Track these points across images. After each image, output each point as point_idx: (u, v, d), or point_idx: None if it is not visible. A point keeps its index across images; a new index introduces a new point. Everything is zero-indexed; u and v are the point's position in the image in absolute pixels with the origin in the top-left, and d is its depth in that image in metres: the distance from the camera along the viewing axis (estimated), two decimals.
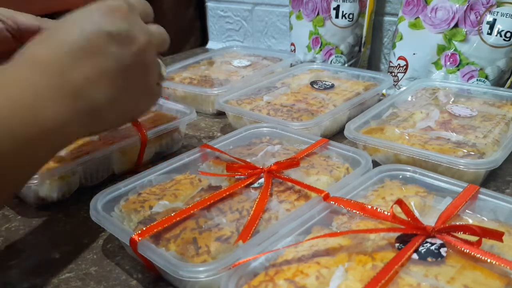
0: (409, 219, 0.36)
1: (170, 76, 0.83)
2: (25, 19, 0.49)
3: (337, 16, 0.83)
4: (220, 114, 0.73)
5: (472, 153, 0.49)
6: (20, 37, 0.48)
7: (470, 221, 0.39)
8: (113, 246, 0.44)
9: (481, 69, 0.68)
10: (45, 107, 0.35)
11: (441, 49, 0.71)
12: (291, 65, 0.86)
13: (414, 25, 0.73)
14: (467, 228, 0.34)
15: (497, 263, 0.32)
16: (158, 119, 0.61)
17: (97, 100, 0.39)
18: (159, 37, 0.46)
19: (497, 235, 0.33)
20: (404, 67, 0.75)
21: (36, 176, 0.47)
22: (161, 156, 0.60)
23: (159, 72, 0.47)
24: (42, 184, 0.49)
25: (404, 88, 0.71)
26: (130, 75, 0.41)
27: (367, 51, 0.88)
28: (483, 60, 0.68)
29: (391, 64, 0.78)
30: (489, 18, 0.66)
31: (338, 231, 0.37)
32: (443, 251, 0.34)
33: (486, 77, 0.68)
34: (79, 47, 0.39)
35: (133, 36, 0.41)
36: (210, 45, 1.19)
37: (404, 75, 0.75)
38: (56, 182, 0.50)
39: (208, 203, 0.42)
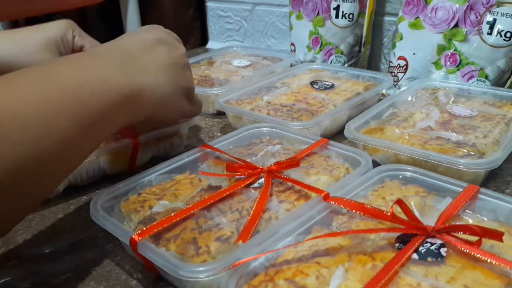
0: (409, 219, 0.36)
1: None
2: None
3: (337, 16, 0.83)
4: (220, 114, 0.73)
5: (472, 153, 0.49)
6: None
7: (470, 221, 0.39)
8: (113, 246, 0.44)
9: (481, 69, 0.68)
10: (116, 78, 0.41)
11: (441, 49, 0.71)
12: (291, 65, 0.86)
13: (414, 25, 0.73)
14: (467, 228, 0.34)
15: (497, 263, 0.32)
16: None
17: (160, 80, 0.46)
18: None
19: (497, 235, 0.33)
20: (404, 67, 0.75)
21: None
22: (159, 160, 0.59)
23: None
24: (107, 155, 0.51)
25: (404, 88, 0.71)
26: (177, 71, 0.49)
27: (367, 51, 0.88)
28: (483, 60, 0.68)
29: (391, 64, 0.78)
30: (489, 18, 0.66)
31: (338, 231, 0.37)
32: (443, 251, 0.34)
33: (486, 77, 0.68)
34: (137, 46, 0.47)
35: (175, 43, 0.51)
36: (210, 45, 1.19)
37: (404, 75, 0.75)
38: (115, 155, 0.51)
39: (208, 203, 0.42)
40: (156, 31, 0.50)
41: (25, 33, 0.57)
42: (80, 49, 0.60)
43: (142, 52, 0.46)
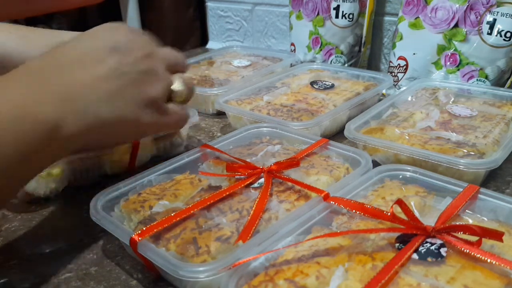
0: (409, 219, 0.36)
1: None
2: None
3: (337, 16, 0.83)
4: (220, 114, 0.73)
5: (472, 153, 0.49)
6: None
7: (470, 221, 0.39)
8: (113, 246, 0.44)
9: (481, 69, 0.68)
10: (39, 109, 0.36)
11: (441, 49, 0.71)
12: (291, 65, 0.86)
13: (414, 25, 0.73)
14: (467, 228, 0.34)
15: (497, 263, 0.32)
16: None
17: (92, 102, 0.39)
18: (170, 55, 0.47)
19: (497, 235, 0.33)
20: (404, 67, 0.75)
21: None
22: (159, 160, 0.59)
23: (166, 86, 0.45)
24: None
25: (404, 88, 0.71)
26: (125, 82, 0.41)
27: (367, 51, 0.88)
28: (483, 60, 0.68)
29: (391, 64, 0.78)
30: (489, 18, 0.66)
31: (338, 231, 0.37)
32: (443, 251, 0.34)
33: (486, 77, 0.68)
34: (77, 60, 0.40)
35: (131, 48, 0.43)
36: (210, 45, 1.19)
37: (404, 75, 0.75)
38: (43, 179, 0.50)
39: (208, 203, 0.42)
40: (114, 34, 0.43)
41: (42, 33, 0.54)
42: None
43: (75, 66, 0.40)
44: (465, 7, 0.68)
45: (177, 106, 0.46)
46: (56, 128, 0.37)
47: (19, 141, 0.35)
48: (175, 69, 0.47)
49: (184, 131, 0.61)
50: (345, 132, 0.55)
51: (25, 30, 0.55)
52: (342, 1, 0.81)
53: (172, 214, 0.40)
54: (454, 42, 0.69)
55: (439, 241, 0.34)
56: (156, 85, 0.44)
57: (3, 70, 0.38)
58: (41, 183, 0.50)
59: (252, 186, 0.45)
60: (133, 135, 0.47)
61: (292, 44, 0.92)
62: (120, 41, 0.42)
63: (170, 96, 0.46)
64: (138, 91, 0.42)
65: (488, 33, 0.67)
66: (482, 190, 0.41)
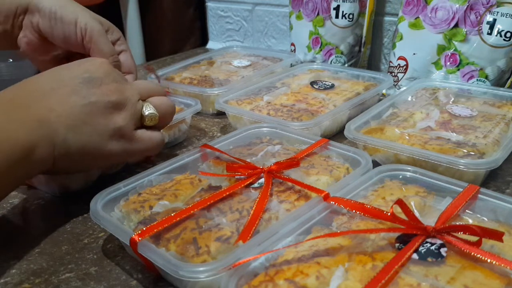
0: (409, 219, 0.36)
1: (170, 76, 0.83)
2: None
3: (337, 16, 0.83)
4: (220, 114, 0.73)
5: (472, 153, 0.49)
6: None
7: (470, 221, 0.39)
8: (113, 246, 0.44)
9: (481, 69, 0.68)
10: (17, 133, 0.39)
11: (441, 49, 0.71)
12: (291, 65, 0.86)
13: (414, 25, 0.73)
14: (467, 228, 0.34)
15: (497, 263, 0.32)
16: None
17: (61, 130, 0.42)
18: (141, 84, 0.50)
19: (497, 235, 0.33)
20: (404, 67, 0.75)
21: None
22: (170, 146, 0.63)
23: (134, 114, 0.46)
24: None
25: (404, 88, 0.71)
26: (94, 112, 0.44)
27: (367, 51, 0.88)
28: (483, 60, 0.68)
29: (391, 64, 0.78)
30: (489, 18, 0.66)
31: (338, 231, 0.37)
32: (443, 251, 0.34)
33: (486, 77, 0.68)
34: (49, 87, 0.43)
35: (103, 79, 0.45)
36: (210, 45, 1.19)
37: (404, 75, 0.75)
38: (79, 173, 0.51)
39: (208, 203, 0.42)
40: (88, 65, 0.46)
41: None
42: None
43: (47, 94, 0.43)
44: (465, 7, 0.68)
45: (148, 131, 0.48)
46: (29, 152, 0.40)
47: None
48: (150, 95, 0.49)
49: (188, 118, 0.64)
50: (345, 132, 0.55)
51: None
52: (342, 1, 0.81)
53: (172, 214, 0.40)
54: (454, 42, 0.69)
55: (439, 241, 0.34)
56: (124, 114, 0.45)
57: None
58: (78, 176, 0.51)
59: (252, 186, 0.45)
60: (101, 163, 0.48)
61: (292, 44, 0.92)
62: (93, 72, 0.45)
63: (142, 122, 0.48)
64: (105, 121, 0.44)
65: (488, 33, 0.67)
66: (482, 190, 0.41)
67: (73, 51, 0.56)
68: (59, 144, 0.42)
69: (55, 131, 0.42)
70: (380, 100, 0.68)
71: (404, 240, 0.35)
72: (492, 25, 0.66)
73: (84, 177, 0.52)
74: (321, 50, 0.86)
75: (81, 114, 0.43)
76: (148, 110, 0.48)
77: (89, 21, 0.53)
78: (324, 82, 0.73)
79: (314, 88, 0.72)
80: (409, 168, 0.46)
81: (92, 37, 0.53)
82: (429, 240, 0.35)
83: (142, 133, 0.48)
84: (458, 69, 0.70)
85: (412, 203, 0.40)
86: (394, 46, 0.77)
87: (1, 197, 0.41)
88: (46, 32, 0.54)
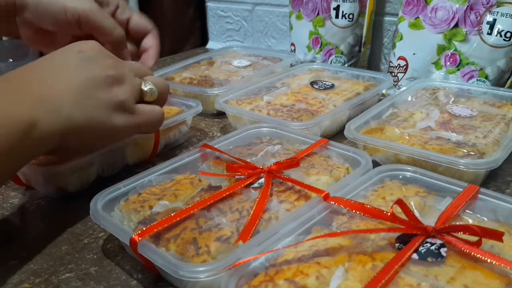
0: (409, 219, 0.36)
1: (170, 76, 0.83)
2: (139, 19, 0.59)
3: (337, 16, 0.83)
4: (220, 114, 0.73)
5: (472, 153, 0.49)
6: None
7: (470, 221, 0.39)
8: (113, 246, 0.44)
9: (481, 69, 0.68)
10: (14, 110, 0.38)
11: (441, 49, 0.71)
12: (291, 65, 0.86)
13: (414, 25, 0.73)
14: (467, 228, 0.34)
15: (497, 263, 0.32)
16: (165, 112, 0.62)
17: (65, 105, 0.41)
18: (136, 65, 0.50)
19: (497, 235, 0.33)
20: (404, 67, 0.75)
21: (57, 167, 0.49)
22: (170, 148, 0.63)
23: (134, 88, 0.47)
24: (62, 174, 0.50)
25: (404, 88, 0.71)
26: (95, 87, 0.43)
27: (367, 51, 0.88)
28: (483, 60, 0.68)
29: (391, 64, 0.78)
30: (489, 18, 0.66)
31: (338, 231, 0.37)
32: (443, 251, 0.34)
33: (486, 77, 0.68)
34: (47, 67, 0.43)
35: (99, 56, 0.45)
36: (210, 45, 1.19)
37: (404, 75, 0.75)
38: (76, 173, 0.51)
39: (208, 203, 0.42)
40: (82, 46, 0.46)
41: None
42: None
43: (46, 73, 0.43)
44: (465, 7, 0.68)
45: (148, 105, 0.48)
46: (30, 128, 0.38)
47: None
48: (143, 74, 0.50)
49: (189, 120, 0.64)
50: (345, 132, 0.55)
51: None
52: (342, 1, 0.81)
53: (172, 214, 0.40)
54: (454, 42, 0.69)
55: (439, 241, 0.34)
56: (125, 88, 0.46)
57: None
58: (74, 178, 0.51)
59: (252, 186, 0.45)
60: (107, 138, 0.48)
61: (292, 44, 0.92)
62: (88, 51, 0.45)
63: (142, 98, 0.48)
64: (107, 94, 0.44)
65: (488, 33, 0.67)
66: (482, 190, 0.41)
67: (81, 36, 0.55)
68: (64, 120, 0.41)
69: (58, 108, 0.41)
70: (380, 100, 0.68)
71: (404, 240, 0.35)
72: (492, 25, 0.66)
73: (81, 179, 0.52)
74: (321, 50, 0.86)
75: (82, 89, 0.43)
76: (147, 85, 0.48)
77: (78, 4, 0.52)
78: (324, 82, 0.73)
79: (314, 88, 0.72)
80: (409, 168, 0.46)
81: (88, 19, 0.52)
82: (429, 240, 0.35)
83: (143, 106, 0.48)
84: (458, 69, 0.70)
85: (412, 203, 0.40)
86: (394, 46, 0.77)
87: (5, 179, 0.41)
88: (40, 25, 0.53)
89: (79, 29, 0.53)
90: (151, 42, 0.60)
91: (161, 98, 0.50)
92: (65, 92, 0.42)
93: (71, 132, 0.42)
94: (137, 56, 0.62)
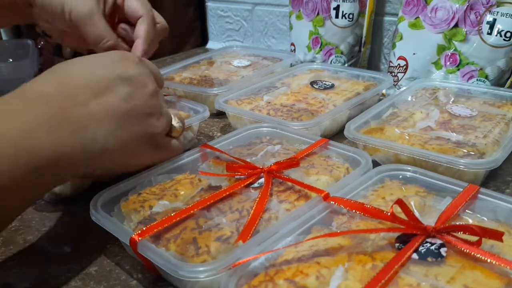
0: (409, 219, 0.36)
1: (170, 76, 0.83)
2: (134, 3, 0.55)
3: (337, 16, 0.83)
4: (220, 114, 0.73)
5: (472, 153, 0.49)
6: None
7: (470, 221, 0.39)
8: (113, 246, 0.44)
9: (481, 69, 0.68)
10: (40, 139, 0.35)
11: (441, 49, 0.71)
12: (291, 65, 0.86)
13: (414, 25, 0.73)
14: (467, 228, 0.34)
15: (497, 263, 0.32)
16: None
17: (101, 133, 0.39)
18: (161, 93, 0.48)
19: (497, 235, 0.33)
20: (404, 67, 0.75)
21: None
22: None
23: (168, 122, 0.47)
24: None
25: (404, 88, 0.71)
26: (135, 116, 0.42)
27: (367, 51, 0.88)
28: (483, 60, 0.68)
29: (391, 64, 0.78)
30: (489, 18, 0.66)
31: (338, 231, 0.37)
32: (443, 251, 0.34)
33: (486, 77, 0.68)
34: (88, 87, 0.39)
35: (143, 80, 0.43)
36: (210, 45, 1.19)
37: (404, 75, 0.75)
38: (71, 179, 0.50)
39: (208, 203, 0.42)
40: (124, 64, 0.42)
41: None
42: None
43: (88, 94, 0.39)
44: (465, 7, 0.68)
45: (174, 140, 0.49)
46: (57, 160, 0.36)
47: (13, 171, 0.33)
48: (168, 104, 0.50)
49: (196, 125, 0.62)
50: (345, 132, 0.55)
51: None
52: (342, 1, 0.81)
53: (172, 214, 0.40)
54: (454, 42, 0.69)
55: (439, 241, 0.34)
56: (161, 121, 0.45)
57: None
58: (68, 183, 0.50)
59: (252, 186, 0.45)
60: (131, 165, 0.46)
61: (292, 44, 0.92)
62: (131, 73, 0.42)
63: (169, 132, 0.48)
64: (144, 125, 0.43)
65: (488, 33, 0.67)
66: (482, 190, 0.41)
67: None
68: (97, 151, 0.39)
69: (92, 139, 0.39)
70: (380, 100, 0.68)
71: (404, 240, 0.35)
72: (492, 25, 0.66)
73: (75, 184, 0.51)
74: (321, 50, 0.86)
75: (123, 118, 0.41)
76: (177, 122, 0.48)
77: (74, 6, 0.49)
78: (324, 82, 0.73)
79: (314, 88, 0.72)
80: (409, 168, 0.46)
81: (78, 26, 0.50)
82: (429, 240, 0.35)
83: (173, 142, 0.48)
84: (458, 69, 0.70)
85: (412, 203, 0.40)
86: (394, 46, 0.77)
87: (27, 204, 0.39)
88: (50, 23, 0.52)
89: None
90: (139, 31, 0.55)
91: (181, 134, 0.50)
92: (104, 120, 0.39)
93: (100, 159, 0.40)
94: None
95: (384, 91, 0.77)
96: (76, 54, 0.57)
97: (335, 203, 0.40)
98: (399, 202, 0.35)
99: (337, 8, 0.82)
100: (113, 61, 0.42)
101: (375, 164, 0.50)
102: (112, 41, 0.53)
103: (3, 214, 0.35)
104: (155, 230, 0.38)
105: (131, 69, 0.42)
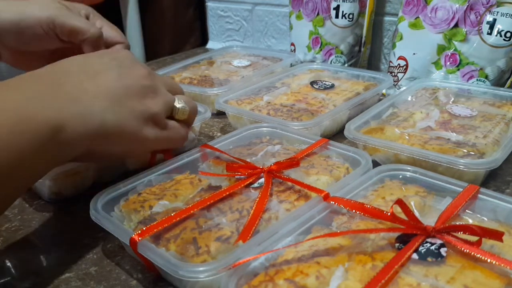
0: (409, 219, 0.36)
1: (170, 76, 0.83)
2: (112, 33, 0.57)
3: (337, 16, 0.83)
4: (220, 114, 0.73)
5: (472, 153, 0.49)
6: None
7: (470, 221, 0.39)
8: (113, 246, 0.44)
9: (481, 69, 0.68)
10: (41, 111, 0.36)
11: (441, 49, 0.71)
12: (291, 65, 0.86)
13: (414, 25, 0.73)
14: (467, 228, 0.34)
15: (497, 263, 0.32)
16: None
17: (98, 108, 0.40)
18: (168, 79, 0.50)
19: (497, 235, 0.33)
20: (404, 67, 0.75)
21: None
22: (176, 154, 0.60)
23: (166, 103, 0.46)
24: (56, 179, 0.49)
25: (404, 88, 0.71)
26: (129, 94, 0.43)
27: (367, 51, 0.88)
28: (483, 60, 0.68)
29: (391, 64, 0.78)
30: (489, 18, 0.66)
31: (338, 231, 0.37)
32: (443, 251, 0.34)
33: (486, 77, 0.68)
34: (82, 71, 0.42)
35: (134, 65, 0.45)
36: (210, 45, 1.19)
37: (404, 75, 0.75)
38: (70, 178, 0.50)
39: (208, 203, 0.42)
40: (117, 54, 0.46)
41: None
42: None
43: (81, 76, 0.41)
44: (465, 7, 0.68)
45: (178, 123, 0.48)
46: (56, 131, 0.37)
47: (14, 144, 0.34)
48: (174, 91, 0.49)
49: (197, 126, 0.62)
50: (345, 132, 0.55)
51: None
52: (342, 1, 0.81)
53: (172, 214, 0.40)
54: (454, 42, 0.69)
55: (439, 241, 0.34)
56: (158, 100, 0.45)
57: None
58: (68, 182, 0.50)
59: (252, 186, 0.45)
60: (135, 148, 0.46)
61: (292, 44, 0.92)
62: (123, 59, 0.45)
63: (172, 114, 0.47)
64: (140, 104, 0.43)
65: (488, 33, 0.67)
66: (482, 190, 0.41)
67: (60, 49, 0.54)
68: (95, 125, 0.39)
69: (90, 111, 0.39)
70: (380, 100, 0.68)
71: (404, 240, 0.35)
72: (492, 25, 0.66)
73: (75, 184, 0.51)
74: (321, 50, 0.86)
75: (116, 96, 0.42)
76: (180, 103, 0.47)
77: (51, 12, 0.50)
78: (324, 82, 0.73)
79: (314, 88, 0.72)
80: (409, 168, 0.46)
81: (63, 23, 0.50)
82: (429, 240, 0.35)
83: (173, 123, 0.47)
84: (458, 69, 0.70)
85: (412, 203, 0.40)
86: (394, 46, 0.77)
87: (30, 183, 0.40)
88: (19, 48, 0.52)
89: (58, 40, 0.52)
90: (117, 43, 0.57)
91: (189, 119, 0.49)
92: (99, 97, 0.40)
93: (101, 137, 0.40)
94: None
95: (384, 91, 0.77)
96: None
97: (335, 203, 0.40)
98: (399, 202, 0.35)
99: (337, 8, 0.82)
100: (105, 52, 0.46)
101: (375, 164, 0.50)
102: (99, 29, 0.54)
103: (3, 193, 0.36)
104: (155, 230, 0.38)
105: (122, 55, 0.46)
